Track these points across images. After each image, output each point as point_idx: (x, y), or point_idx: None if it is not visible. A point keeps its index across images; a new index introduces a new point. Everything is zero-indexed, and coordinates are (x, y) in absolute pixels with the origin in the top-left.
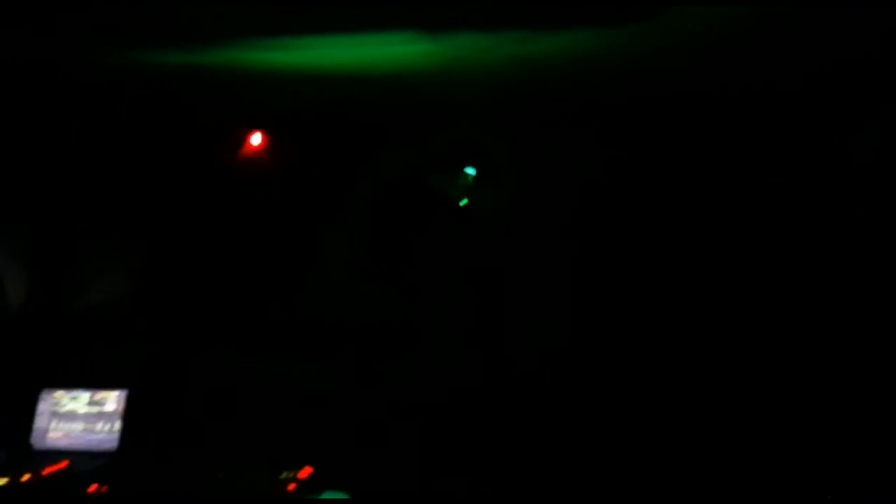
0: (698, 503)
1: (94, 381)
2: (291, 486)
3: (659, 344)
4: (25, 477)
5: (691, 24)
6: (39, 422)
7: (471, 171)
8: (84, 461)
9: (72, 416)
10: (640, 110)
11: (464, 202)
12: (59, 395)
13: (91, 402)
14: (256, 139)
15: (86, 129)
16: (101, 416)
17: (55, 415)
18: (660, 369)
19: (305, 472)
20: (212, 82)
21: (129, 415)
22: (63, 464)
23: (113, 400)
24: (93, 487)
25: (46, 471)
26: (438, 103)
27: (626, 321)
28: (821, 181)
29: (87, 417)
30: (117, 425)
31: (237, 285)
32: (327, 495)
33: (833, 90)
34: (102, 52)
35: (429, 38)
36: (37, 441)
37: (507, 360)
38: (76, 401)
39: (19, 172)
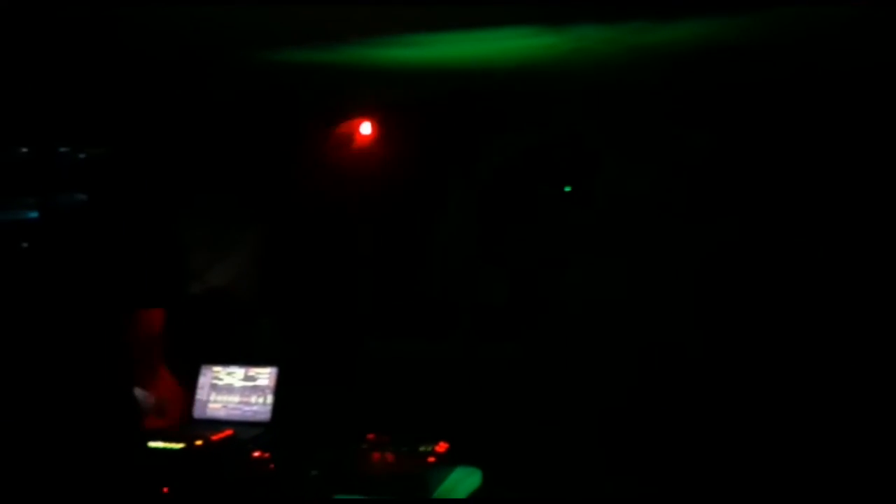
0: None
1: (248, 357)
2: (431, 459)
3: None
4: (198, 442)
5: (808, 11)
6: (200, 394)
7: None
8: (241, 430)
9: (229, 389)
10: (755, 98)
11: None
12: (217, 370)
13: (246, 378)
14: (368, 128)
15: (211, 123)
16: (255, 389)
17: (214, 388)
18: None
19: (442, 447)
20: (334, 78)
21: (280, 389)
22: (229, 432)
23: (265, 375)
24: (256, 453)
25: (215, 437)
26: (558, 92)
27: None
28: None
29: (243, 391)
30: (270, 399)
31: (359, 269)
32: (461, 469)
33: None
34: (226, 51)
35: (552, 31)
36: (197, 411)
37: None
38: (232, 375)
39: (168, 167)
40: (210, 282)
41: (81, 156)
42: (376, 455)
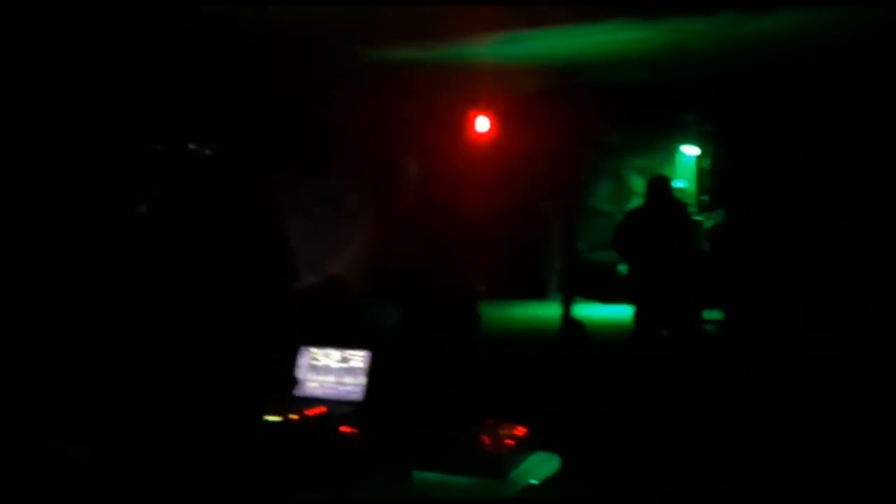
0: None
1: (344, 341)
2: (509, 442)
3: None
4: (293, 416)
5: None
6: (299, 374)
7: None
8: (336, 408)
9: (325, 370)
10: (847, 89)
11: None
12: (315, 351)
13: (341, 360)
14: (485, 123)
15: (332, 121)
16: (350, 371)
17: (312, 368)
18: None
19: (521, 431)
20: (447, 74)
21: (373, 371)
22: (322, 408)
23: (359, 358)
24: (345, 428)
25: (309, 412)
26: (656, 83)
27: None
28: None
29: (338, 372)
30: (363, 380)
31: (471, 260)
32: (539, 454)
33: None
34: (350, 52)
35: (647, 24)
36: (296, 390)
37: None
38: (328, 357)
39: (278, 160)
40: (325, 271)
41: (207, 152)
42: (456, 435)
